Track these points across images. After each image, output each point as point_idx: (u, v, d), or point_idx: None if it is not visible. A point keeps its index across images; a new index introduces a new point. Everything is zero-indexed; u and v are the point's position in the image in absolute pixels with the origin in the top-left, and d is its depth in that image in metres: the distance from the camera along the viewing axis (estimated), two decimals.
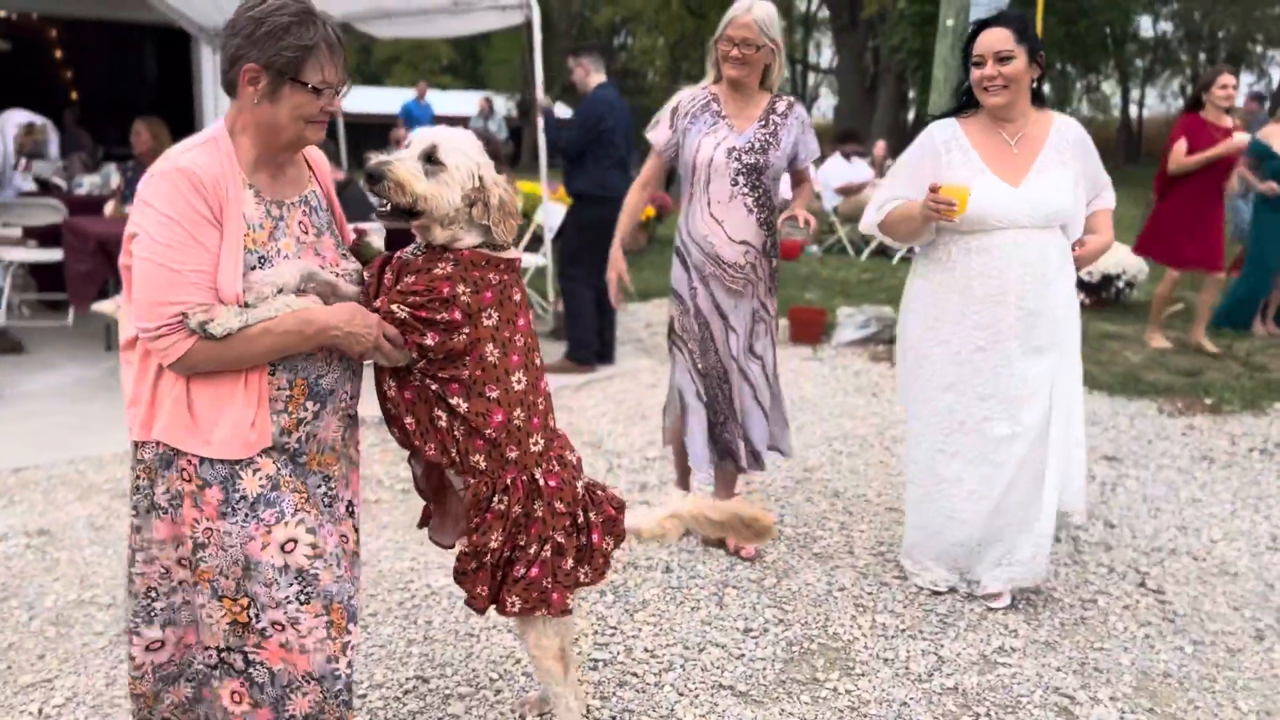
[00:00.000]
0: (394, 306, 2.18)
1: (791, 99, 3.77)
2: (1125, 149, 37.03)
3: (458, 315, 2.20)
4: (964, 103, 3.44)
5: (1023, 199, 3.23)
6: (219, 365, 2.02)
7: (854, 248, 12.22)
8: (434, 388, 2.25)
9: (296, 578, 2.08)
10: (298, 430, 2.13)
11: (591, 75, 6.41)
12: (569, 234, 6.67)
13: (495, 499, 2.32)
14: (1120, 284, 8.28)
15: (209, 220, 1.99)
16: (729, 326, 3.73)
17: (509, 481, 2.32)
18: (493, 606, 2.39)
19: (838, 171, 12.71)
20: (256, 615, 2.08)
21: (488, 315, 2.25)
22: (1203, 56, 37.02)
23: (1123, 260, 8.17)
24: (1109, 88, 41.09)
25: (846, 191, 12.27)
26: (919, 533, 3.57)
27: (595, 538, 2.45)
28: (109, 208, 7.27)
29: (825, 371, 6.65)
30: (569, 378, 6.30)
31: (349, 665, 2.14)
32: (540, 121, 7.09)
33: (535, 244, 8.34)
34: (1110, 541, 4.03)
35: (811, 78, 44.40)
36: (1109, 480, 4.71)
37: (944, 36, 6.99)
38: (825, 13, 33.55)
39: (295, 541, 2.09)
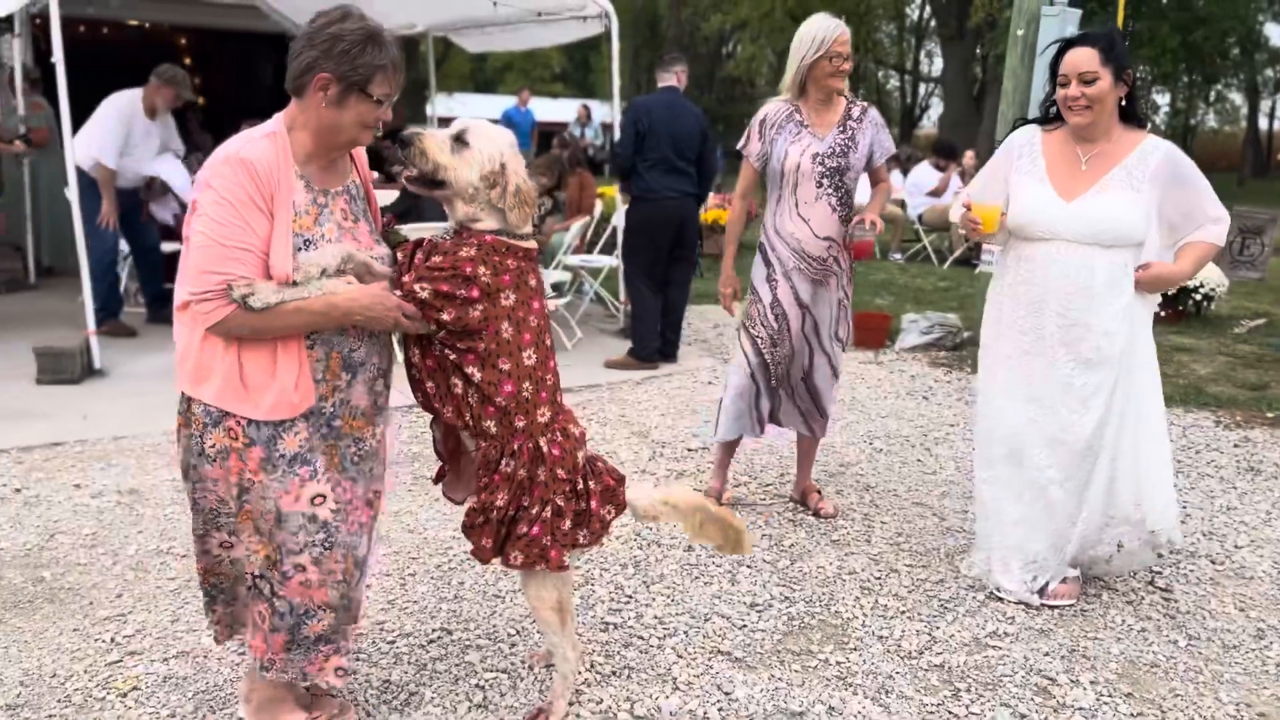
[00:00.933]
0: (417, 286, 2.43)
1: (865, 104, 4.08)
2: (1253, 162, 35.53)
3: (476, 293, 2.45)
4: (1051, 114, 3.49)
5: (1072, 215, 3.30)
6: (252, 333, 2.30)
7: (937, 256, 12.20)
8: (452, 357, 2.51)
9: (321, 528, 2.42)
10: (333, 396, 2.43)
11: (657, 81, 6.66)
12: (626, 235, 6.95)
13: (503, 462, 2.57)
14: (1198, 297, 8.15)
15: (259, 207, 2.28)
16: (810, 315, 4.06)
17: (516, 447, 2.57)
18: (498, 560, 2.67)
19: (928, 179, 12.69)
20: (281, 559, 2.42)
21: (505, 296, 2.50)
22: None
23: (1201, 273, 8.05)
24: (1239, 98, 39.53)
25: (936, 193, 12.26)
26: (980, 534, 3.71)
27: (594, 504, 2.69)
28: None
29: (881, 375, 6.77)
30: (630, 373, 6.57)
31: (356, 591, 2.55)
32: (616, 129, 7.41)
33: (611, 248, 8.64)
34: None
35: (922, 88, 43.90)
36: None
37: (1013, 46, 7.06)
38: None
39: (324, 497, 2.42)
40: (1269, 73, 36.57)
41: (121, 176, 6.67)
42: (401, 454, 4.92)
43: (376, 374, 2.55)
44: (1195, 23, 21.20)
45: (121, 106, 6.59)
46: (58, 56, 5.64)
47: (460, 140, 2.52)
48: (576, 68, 44.06)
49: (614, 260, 8.06)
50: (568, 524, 2.64)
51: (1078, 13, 6.88)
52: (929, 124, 44.31)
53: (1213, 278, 8.12)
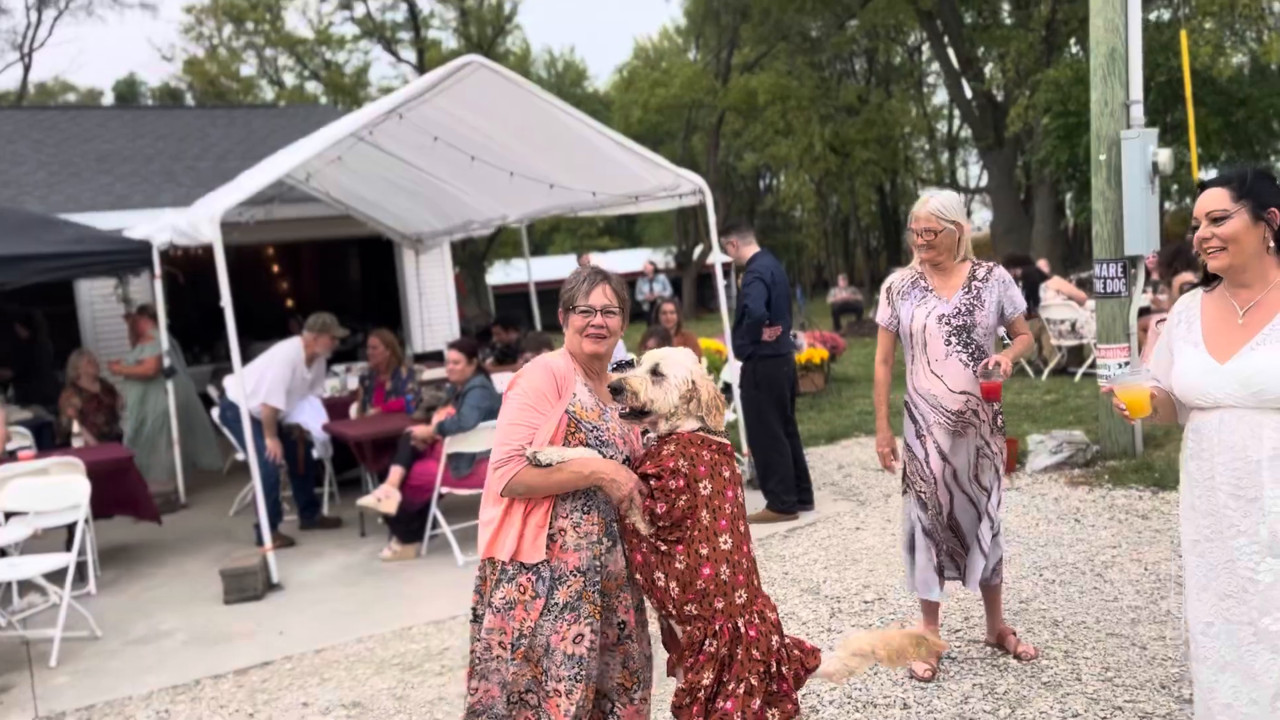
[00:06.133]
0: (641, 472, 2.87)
1: (991, 265, 4.33)
2: None
3: (681, 483, 2.83)
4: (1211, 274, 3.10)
5: (1228, 376, 2.87)
6: (529, 490, 2.87)
7: (1032, 369, 12.30)
8: (663, 548, 2.86)
9: (578, 663, 2.89)
10: (597, 559, 2.92)
11: (744, 247, 7.07)
12: (748, 392, 7.18)
13: (706, 642, 2.83)
14: None
15: (550, 399, 2.94)
16: (949, 464, 4.25)
17: (718, 627, 2.83)
18: None
19: None
20: (545, 680, 2.91)
21: (703, 485, 2.85)
22: None
23: None
24: None
25: None
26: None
27: (786, 686, 2.90)
28: (353, 411, 8.32)
29: (1025, 500, 6.84)
30: (773, 526, 6.72)
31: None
32: (720, 286, 7.81)
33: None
34: None
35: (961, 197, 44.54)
36: None
37: (1097, 172, 7.37)
38: (967, 132, 34.01)
39: (583, 636, 2.89)
40: None
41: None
42: None
43: (623, 549, 3.02)
44: (1235, 105, 21.55)
45: (289, 355, 7.35)
46: (226, 301, 6.16)
47: (657, 373, 2.95)
48: (620, 220, 45.46)
49: (732, 415, 8.30)
50: (757, 703, 2.83)
51: (1155, 131, 7.16)
52: (974, 230, 44.85)
53: None
